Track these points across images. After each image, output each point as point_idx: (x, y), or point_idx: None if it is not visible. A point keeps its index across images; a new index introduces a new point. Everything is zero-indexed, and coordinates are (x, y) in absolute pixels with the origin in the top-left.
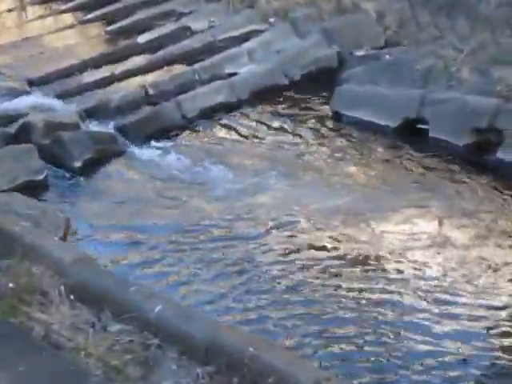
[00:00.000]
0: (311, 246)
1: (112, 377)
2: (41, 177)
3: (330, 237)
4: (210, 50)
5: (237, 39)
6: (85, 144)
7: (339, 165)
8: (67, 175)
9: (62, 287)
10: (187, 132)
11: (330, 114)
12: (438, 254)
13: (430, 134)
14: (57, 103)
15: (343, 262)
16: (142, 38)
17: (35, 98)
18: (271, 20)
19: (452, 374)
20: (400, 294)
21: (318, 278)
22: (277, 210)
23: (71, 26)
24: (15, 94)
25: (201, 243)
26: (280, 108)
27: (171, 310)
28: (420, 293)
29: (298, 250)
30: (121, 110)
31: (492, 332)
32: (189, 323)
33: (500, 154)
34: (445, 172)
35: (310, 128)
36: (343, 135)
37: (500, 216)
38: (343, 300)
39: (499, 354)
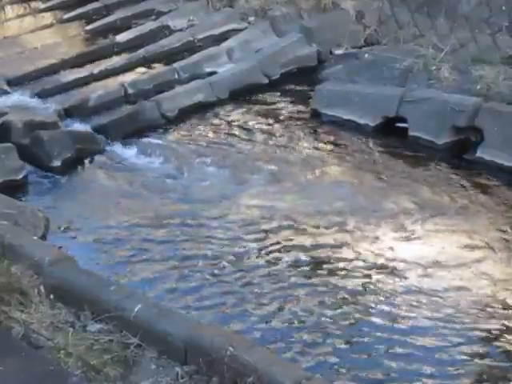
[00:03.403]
0: (295, 248)
1: (91, 376)
2: (20, 176)
3: (313, 238)
4: (190, 48)
5: (216, 38)
6: (64, 143)
7: (318, 164)
8: (47, 174)
9: (42, 287)
10: (166, 131)
11: (310, 112)
12: (420, 252)
13: (410, 133)
14: (36, 102)
15: (329, 261)
16: (122, 37)
17: (14, 98)
18: (250, 19)
19: None
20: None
21: (301, 280)
22: (256, 211)
23: (50, 25)
24: None
25: (179, 242)
26: (259, 107)
27: (151, 309)
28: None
29: (282, 252)
30: (100, 109)
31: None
32: (168, 322)
33: (479, 153)
34: (424, 171)
35: (290, 127)
36: (323, 134)
37: (481, 214)
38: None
39: None
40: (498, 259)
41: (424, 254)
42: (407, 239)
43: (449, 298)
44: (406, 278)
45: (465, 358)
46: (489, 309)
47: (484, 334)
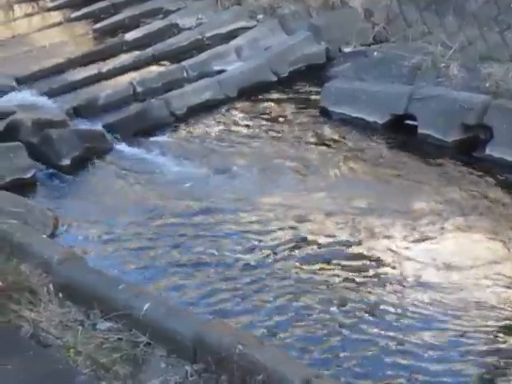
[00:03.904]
0: (320, 252)
1: (101, 375)
2: (29, 175)
3: (325, 236)
4: (198, 47)
5: (225, 36)
6: (73, 142)
7: (328, 162)
8: (56, 173)
9: (51, 285)
10: (175, 129)
11: (319, 110)
12: (439, 253)
13: (419, 131)
14: (45, 101)
15: (337, 259)
16: (130, 36)
17: (23, 96)
18: (259, 17)
19: None
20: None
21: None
22: (274, 211)
23: (59, 24)
24: (3, 91)
25: (192, 243)
26: (268, 105)
27: (160, 307)
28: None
29: (292, 249)
30: (109, 107)
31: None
32: (177, 321)
33: (489, 151)
34: (433, 168)
35: (299, 125)
36: (331, 132)
37: (497, 213)
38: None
39: None
40: None
41: (442, 255)
42: (425, 239)
43: (467, 301)
44: (422, 278)
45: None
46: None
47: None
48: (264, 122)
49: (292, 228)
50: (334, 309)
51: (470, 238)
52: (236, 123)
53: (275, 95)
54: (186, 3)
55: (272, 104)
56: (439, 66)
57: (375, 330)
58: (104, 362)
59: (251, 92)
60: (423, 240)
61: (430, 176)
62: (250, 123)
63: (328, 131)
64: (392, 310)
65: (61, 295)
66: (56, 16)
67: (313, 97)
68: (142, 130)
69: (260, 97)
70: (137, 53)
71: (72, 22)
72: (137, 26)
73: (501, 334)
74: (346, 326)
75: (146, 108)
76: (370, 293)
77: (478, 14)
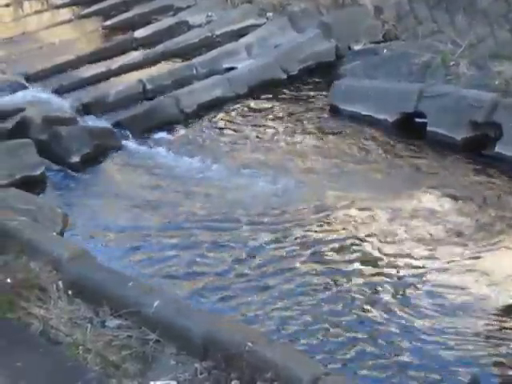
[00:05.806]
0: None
1: (110, 372)
2: (38, 172)
3: (333, 231)
4: (208, 44)
5: (234, 34)
6: (82, 139)
7: (337, 159)
8: (65, 170)
9: (60, 282)
10: (185, 127)
11: (328, 108)
12: (433, 250)
13: (428, 128)
14: (54, 98)
15: (345, 254)
16: (140, 33)
17: (33, 93)
18: (269, 14)
19: None
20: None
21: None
22: (274, 206)
23: (68, 21)
24: (12, 88)
25: (196, 241)
26: (278, 102)
27: (169, 305)
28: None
29: (302, 246)
30: (118, 104)
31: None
32: (187, 318)
33: (498, 149)
34: (443, 166)
35: (308, 122)
36: (341, 129)
37: (498, 211)
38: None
39: None
40: None
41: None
42: (426, 234)
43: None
44: (446, 279)
45: None
46: None
47: None
48: (272, 120)
49: (281, 219)
50: (355, 308)
51: (491, 238)
52: (245, 121)
53: (285, 93)
54: (196, 1)
55: (281, 102)
56: (449, 64)
57: (392, 330)
58: (113, 360)
59: (261, 90)
60: (417, 235)
61: (435, 172)
62: (258, 121)
63: (336, 129)
64: (418, 312)
65: (70, 292)
66: (66, 13)
67: (322, 94)
68: (151, 127)
69: (269, 94)
70: (146, 50)
71: (82, 19)
72: (147, 24)
73: None
74: (362, 326)
75: (155, 105)
76: (398, 293)
77: (488, 12)
